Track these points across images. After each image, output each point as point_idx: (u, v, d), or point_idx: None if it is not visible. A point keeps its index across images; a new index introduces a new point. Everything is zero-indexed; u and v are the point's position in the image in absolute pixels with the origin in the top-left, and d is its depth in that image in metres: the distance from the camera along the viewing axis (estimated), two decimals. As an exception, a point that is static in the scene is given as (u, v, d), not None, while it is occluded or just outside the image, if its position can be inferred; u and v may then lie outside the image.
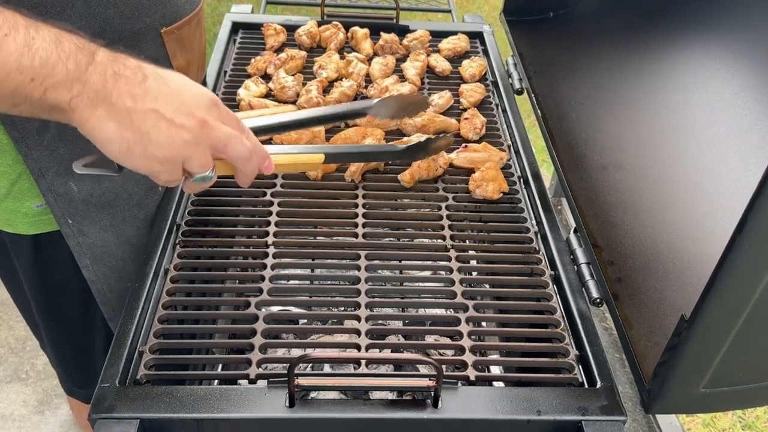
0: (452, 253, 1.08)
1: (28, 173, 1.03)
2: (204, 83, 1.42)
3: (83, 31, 0.88)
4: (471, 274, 1.09)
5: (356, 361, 0.90)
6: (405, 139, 1.28)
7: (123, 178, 1.08)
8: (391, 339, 1.10)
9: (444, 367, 0.86)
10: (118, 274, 1.15)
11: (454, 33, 1.66)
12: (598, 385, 0.88)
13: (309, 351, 0.99)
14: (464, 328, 0.96)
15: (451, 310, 1.03)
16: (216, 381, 1.03)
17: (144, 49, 1.04)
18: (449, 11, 2.03)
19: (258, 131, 0.92)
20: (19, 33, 0.65)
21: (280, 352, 1.10)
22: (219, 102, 0.80)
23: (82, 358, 1.42)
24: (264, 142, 0.90)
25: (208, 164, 0.79)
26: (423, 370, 1.09)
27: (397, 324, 1.11)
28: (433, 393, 0.83)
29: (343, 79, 1.47)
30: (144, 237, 1.15)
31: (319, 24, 1.63)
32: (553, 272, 1.06)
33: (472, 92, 1.44)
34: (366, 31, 1.60)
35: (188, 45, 1.14)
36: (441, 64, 1.55)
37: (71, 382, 1.57)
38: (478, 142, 1.32)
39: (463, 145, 1.28)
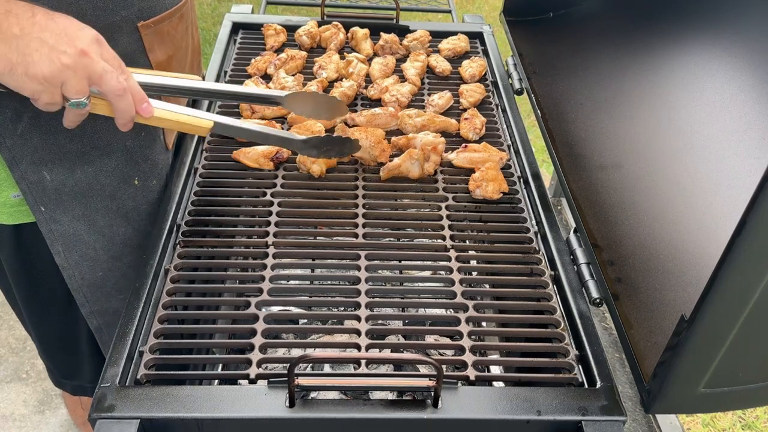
0: (452, 253, 1.08)
1: (2, 162, 1.04)
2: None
3: None
4: (471, 274, 1.09)
5: (356, 361, 0.90)
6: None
7: (95, 170, 1.10)
8: (391, 339, 1.10)
9: (444, 367, 0.86)
10: (90, 263, 1.17)
11: (454, 33, 1.66)
12: (598, 385, 0.88)
13: (309, 351, 0.99)
14: (464, 328, 0.96)
15: (451, 310, 1.03)
16: (216, 381, 1.03)
17: (119, 42, 1.04)
18: (449, 11, 2.03)
19: (147, 86, 1.01)
20: None
21: (280, 352, 1.10)
22: (103, 41, 0.90)
23: (66, 348, 1.44)
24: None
25: (83, 91, 0.89)
26: (423, 370, 1.09)
27: (397, 324, 1.11)
28: (433, 393, 0.83)
29: (343, 79, 1.47)
30: (116, 228, 1.17)
31: (319, 24, 1.63)
32: (553, 272, 1.06)
33: (472, 92, 1.44)
34: (366, 31, 1.60)
35: (169, 40, 1.14)
36: (441, 64, 1.55)
37: (58, 373, 1.59)
38: (478, 142, 1.32)
39: (463, 145, 1.28)
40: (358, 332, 0.94)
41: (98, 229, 1.15)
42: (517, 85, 1.51)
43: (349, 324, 0.97)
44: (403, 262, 1.14)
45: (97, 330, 1.25)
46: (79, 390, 1.63)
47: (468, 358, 0.91)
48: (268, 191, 1.17)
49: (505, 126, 1.41)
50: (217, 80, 1.46)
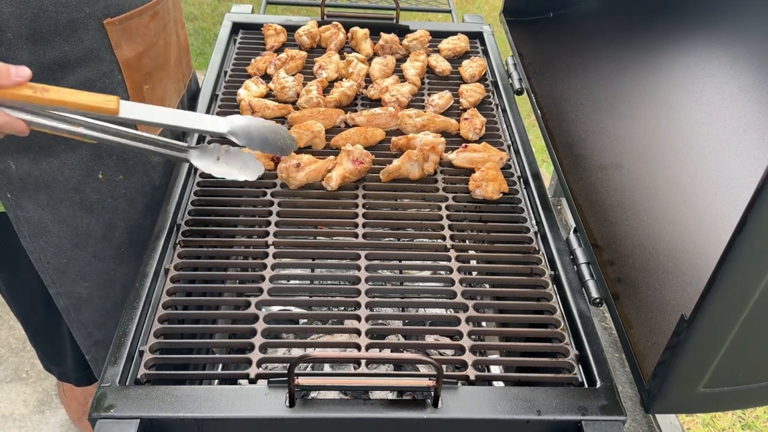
0: (452, 253, 1.08)
1: None
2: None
3: (14, 18, 0.93)
4: (471, 274, 1.09)
5: (356, 361, 0.90)
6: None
7: (59, 162, 1.12)
8: (391, 339, 1.10)
9: (444, 366, 0.86)
10: (54, 250, 1.19)
11: (454, 33, 1.66)
12: (598, 385, 0.88)
13: (309, 351, 0.99)
14: (464, 327, 0.96)
15: (451, 309, 1.03)
16: (216, 381, 1.03)
17: (84, 38, 1.03)
18: (449, 11, 2.03)
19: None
20: None
21: (281, 352, 1.10)
22: None
23: (49, 333, 1.49)
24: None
25: None
26: (423, 369, 1.09)
27: (397, 324, 1.11)
28: (433, 393, 0.83)
29: (344, 79, 1.47)
30: (79, 219, 1.18)
31: (319, 24, 1.63)
32: (552, 272, 1.06)
33: (472, 92, 1.44)
34: (366, 31, 1.60)
35: (139, 37, 1.13)
36: (441, 64, 1.55)
37: (45, 358, 1.63)
38: (478, 142, 1.32)
39: (463, 145, 1.28)
40: (358, 332, 0.94)
41: (62, 219, 1.17)
42: (517, 85, 1.51)
43: (349, 324, 0.97)
44: (403, 262, 1.14)
45: (64, 310, 1.27)
46: (63, 376, 1.66)
47: (468, 357, 0.91)
48: (268, 191, 1.17)
49: (505, 126, 1.41)
50: (217, 80, 1.46)
